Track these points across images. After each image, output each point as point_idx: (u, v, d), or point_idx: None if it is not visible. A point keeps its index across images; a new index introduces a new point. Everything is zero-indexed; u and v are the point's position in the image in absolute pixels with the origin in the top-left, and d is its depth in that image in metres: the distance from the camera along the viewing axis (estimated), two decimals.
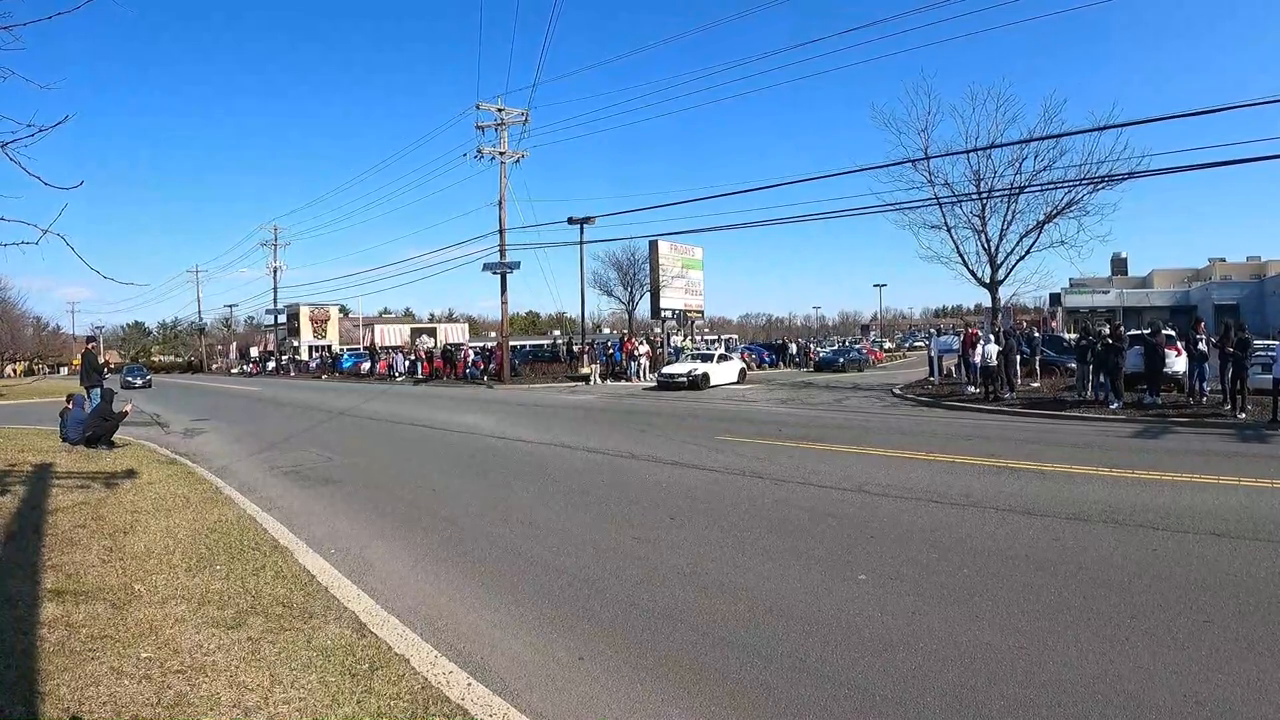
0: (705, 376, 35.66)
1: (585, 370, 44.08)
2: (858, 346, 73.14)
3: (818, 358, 58.51)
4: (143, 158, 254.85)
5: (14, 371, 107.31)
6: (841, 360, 53.70)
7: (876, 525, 8.81)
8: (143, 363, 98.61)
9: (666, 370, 37.59)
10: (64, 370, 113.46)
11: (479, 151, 44.30)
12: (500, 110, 43.90)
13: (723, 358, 41.23)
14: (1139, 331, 24.84)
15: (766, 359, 61.44)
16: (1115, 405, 20.46)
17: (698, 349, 47.68)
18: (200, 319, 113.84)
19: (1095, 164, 28.32)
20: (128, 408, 18.75)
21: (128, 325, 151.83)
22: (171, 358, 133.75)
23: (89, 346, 22.78)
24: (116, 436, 17.60)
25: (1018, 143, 29.94)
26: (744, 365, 43.64)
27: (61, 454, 15.95)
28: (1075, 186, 29.09)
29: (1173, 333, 25.47)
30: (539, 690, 4.89)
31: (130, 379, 57.40)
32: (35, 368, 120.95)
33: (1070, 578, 6.70)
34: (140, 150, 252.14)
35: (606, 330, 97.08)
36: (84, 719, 4.22)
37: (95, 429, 17.00)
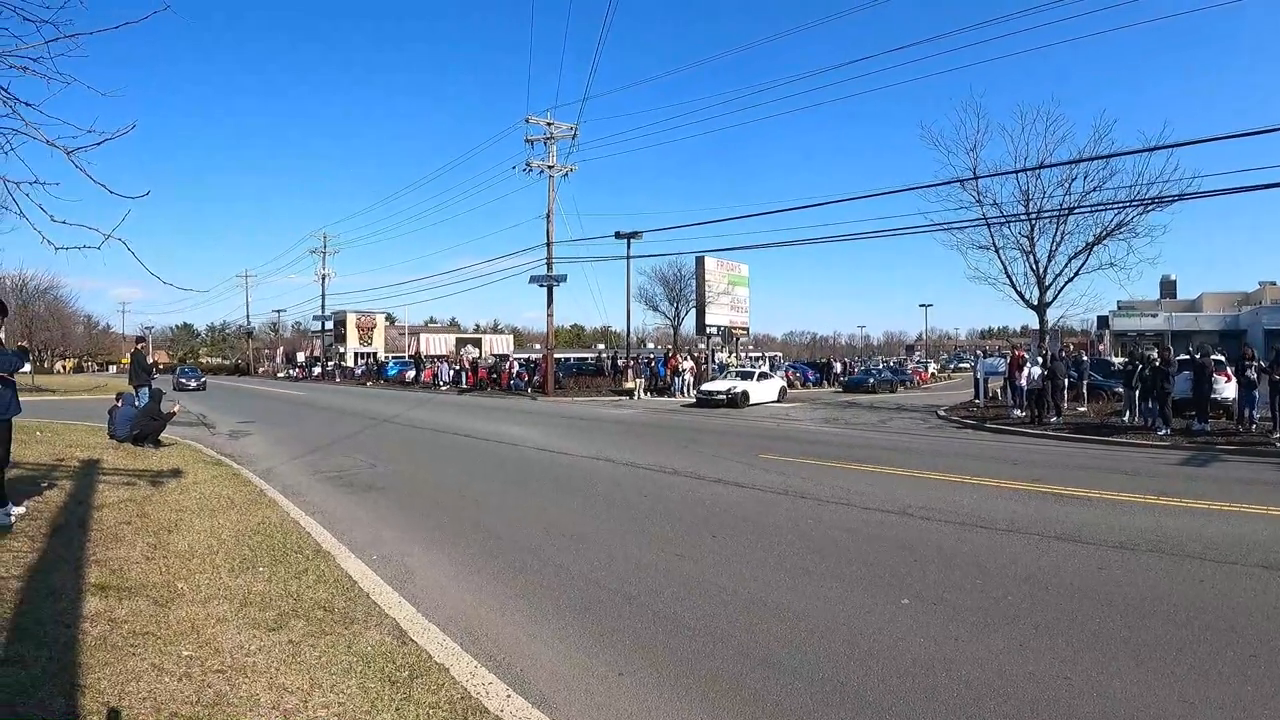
0: (745, 394, 35.47)
1: (629, 385, 43.98)
2: (891, 365, 72.50)
3: (846, 378, 57.59)
4: (194, 163, 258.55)
5: (63, 368, 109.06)
6: (871, 380, 53.05)
7: (920, 549, 8.70)
8: (190, 364, 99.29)
9: (706, 387, 37.47)
10: (113, 369, 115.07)
11: (528, 165, 44.57)
12: (549, 124, 44.15)
13: (763, 376, 40.95)
14: (1186, 356, 24.42)
15: (811, 378, 61.24)
16: (1164, 432, 20.14)
17: (742, 366, 47.44)
18: (248, 323, 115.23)
19: (1145, 185, 27.94)
20: (175, 408, 18.98)
21: (177, 327, 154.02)
22: (219, 360, 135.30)
23: (138, 347, 23.03)
24: (163, 436, 17.80)
25: (1067, 163, 29.69)
26: (784, 384, 43.47)
27: (109, 451, 16.14)
28: (1125, 208, 28.74)
29: (1222, 358, 25.04)
30: (578, 705, 4.87)
31: (184, 380, 55.70)
32: (84, 365, 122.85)
33: (1115, 607, 6.58)
34: (194, 156, 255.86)
35: (651, 345, 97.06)
36: (123, 713, 4.24)
37: (143, 427, 17.19)
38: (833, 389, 56.39)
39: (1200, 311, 76.28)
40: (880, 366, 69.79)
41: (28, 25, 5.26)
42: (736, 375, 40.22)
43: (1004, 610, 6.56)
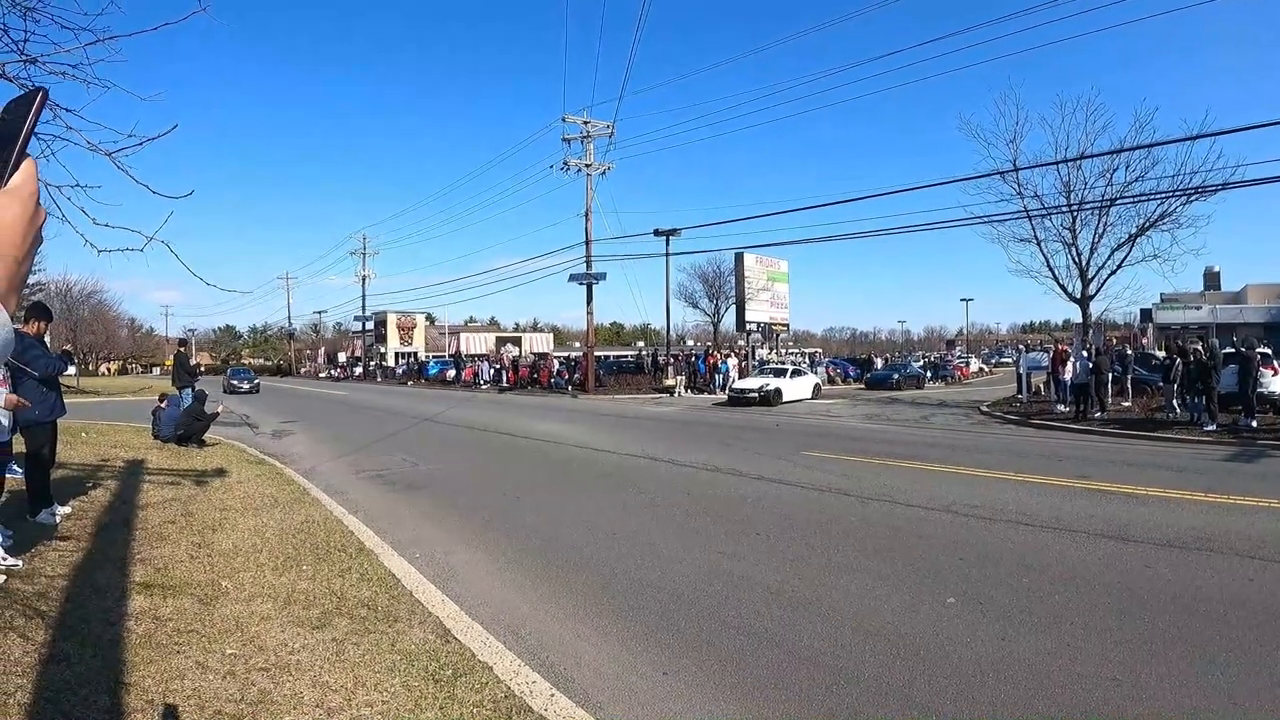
0: (778, 392, 34.67)
1: (669, 382, 43.90)
2: (933, 360, 71.71)
3: (869, 375, 54.68)
4: (233, 166, 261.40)
5: (108, 370, 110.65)
6: (896, 377, 49.88)
7: (965, 547, 8.61)
8: (242, 364, 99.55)
9: (737, 385, 36.82)
10: (156, 370, 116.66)
11: (565, 164, 44.69)
12: (586, 123, 44.19)
13: (796, 372, 39.74)
14: (1231, 349, 24.00)
15: (851, 374, 60.72)
16: (1210, 427, 19.79)
17: (778, 363, 47.15)
18: (290, 324, 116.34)
19: (1188, 174, 27.41)
20: (219, 408, 19.14)
21: (219, 329, 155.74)
22: (261, 361, 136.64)
23: (181, 349, 23.36)
24: (207, 436, 17.96)
25: (1109, 153, 29.20)
26: (818, 380, 42.43)
27: (153, 451, 16.31)
28: (1168, 198, 28.31)
29: (1268, 351, 24.57)
30: (623, 704, 4.84)
31: (235, 382, 52.18)
32: (128, 367, 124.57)
33: (1164, 606, 6.47)
34: (233, 159, 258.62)
35: (691, 342, 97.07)
36: (167, 711, 4.26)
37: (187, 428, 17.35)
38: (857, 386, 55.13)
39: (1245, 303, 75.08)
40: (920, 361, 68.74)
41: (66, 32, 5.29)
42: (770, 372, 39.28)
43: (1050, 610, 6.47)
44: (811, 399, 37.75)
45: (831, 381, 53.39)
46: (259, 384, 55.21)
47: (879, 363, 65.15)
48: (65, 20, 5.29)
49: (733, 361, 45.23)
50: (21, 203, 1.17)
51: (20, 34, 5.23)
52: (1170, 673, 5.13)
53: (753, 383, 35.90)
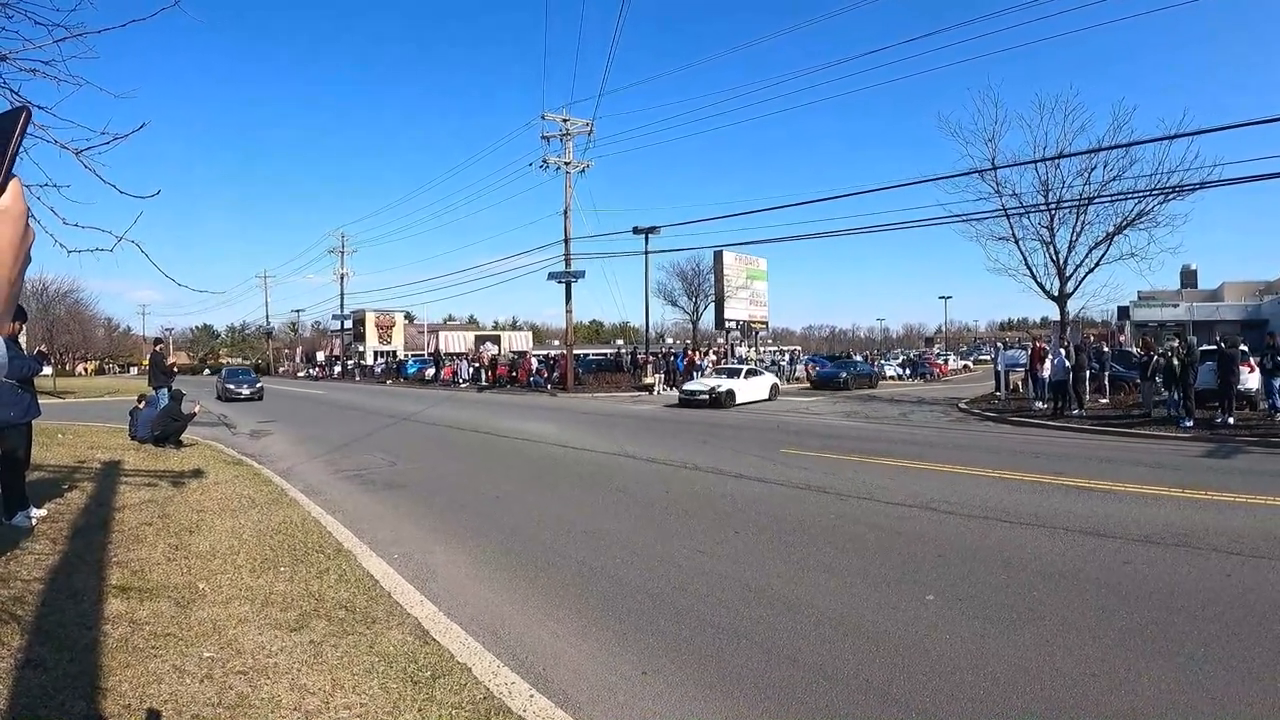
0: (730, 394, 33.04)
1: (649, 380, 43.86)
2: (912, 357, 71.87)
3: (815, 373, 50.80)
4: (211, 165, 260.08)
5: (85, 371, 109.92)
6: (844, 375, 46.55)
7: (944, 544, 8.63)
8: (230, 364, 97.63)
9: (688, 387, 35.16)
10: (133, 370, 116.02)
11: (544, 161, 44.57)
12: (565, 121, 44.09)
13: (751, 372, 37.66)
14: (1210, 346, 24.10)
15: None
16: (1188, 423, 19.90)
17: (761, 360, 46.96)
18: (268, 323, 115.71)
19: (1166, 174, 27.48)
20: (196, 408, 19.02)
21: (197, 328, 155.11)
22: (240, 360, 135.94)
23: (156, 348, 23.18)
24: (184, 436, 17.85)
25: (1087, 152, 29.24)
26: (776, 381, 39.61)
27: (130, 452, 16.20)
28: (1145, 197, 28.44)
29: (1245, 349, 24.73)
30: (602, 704, 4.83)
31: (232, 387, 41.10)
32: (105, 367, 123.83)
33: (1142, 602, 6.51)
34: (211, 157, 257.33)
35: (670, 340, 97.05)
36: (156, 711, 4.23)
37: (164, 428, 17.24)
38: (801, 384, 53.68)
39: (1221, 301, 75.56)
40: (854, 360, 68.37)
41: (39, 29, 5.25)
42: (723, 373, 37.47)
43: (1029, 606, 6.50)
44: (768, 400, 35.98)
45: (810, 379, 53.33)
46: (262, 388, 43.27)
47: (859, 359, 65.17)
48: (39, 16, 5.25)
49: (711, 359, 45.16)
50: (13, 223, 1.15)
51: None
52: (1149, 667, 5.16)
53: (703, 384, 34.44)
